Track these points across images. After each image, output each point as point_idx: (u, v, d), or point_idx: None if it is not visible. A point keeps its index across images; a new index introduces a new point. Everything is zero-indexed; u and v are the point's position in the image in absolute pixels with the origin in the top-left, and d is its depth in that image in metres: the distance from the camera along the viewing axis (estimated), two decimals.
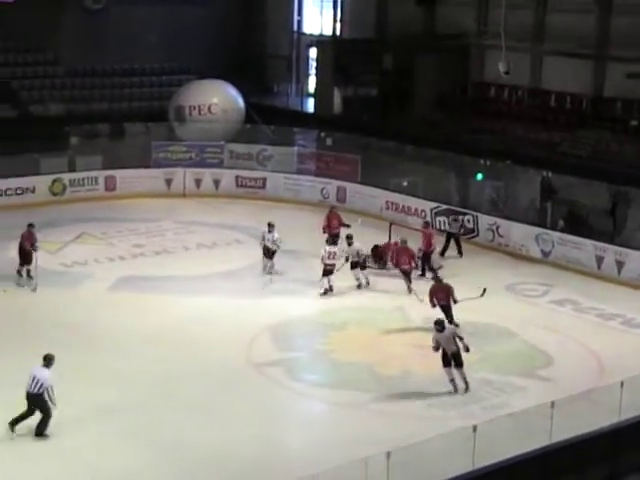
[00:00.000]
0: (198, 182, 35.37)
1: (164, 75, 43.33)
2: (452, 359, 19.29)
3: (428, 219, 29.36)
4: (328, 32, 45.28)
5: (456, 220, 29.08)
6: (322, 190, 34.08)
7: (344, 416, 18.64)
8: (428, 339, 20.30)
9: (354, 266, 25.64)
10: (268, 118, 37.78)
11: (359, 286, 25.63)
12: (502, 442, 15.92)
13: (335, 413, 19.00)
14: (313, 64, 45.16)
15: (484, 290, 22.91)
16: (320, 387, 20.11)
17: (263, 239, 26.19)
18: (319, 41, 44.74)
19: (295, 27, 46.89)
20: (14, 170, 32.93)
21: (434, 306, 21.93)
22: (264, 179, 35.09)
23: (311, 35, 46.23)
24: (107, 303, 24.06)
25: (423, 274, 26.16)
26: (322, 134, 37.07)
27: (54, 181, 33.74)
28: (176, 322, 22.52)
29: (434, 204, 30.95)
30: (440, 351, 19.31)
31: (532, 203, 30.81)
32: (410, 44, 39.71)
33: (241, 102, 38.59)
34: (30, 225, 25.52)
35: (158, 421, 17.86)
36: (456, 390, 19.37)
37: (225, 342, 21.39)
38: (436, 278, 22.79)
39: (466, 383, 19.47)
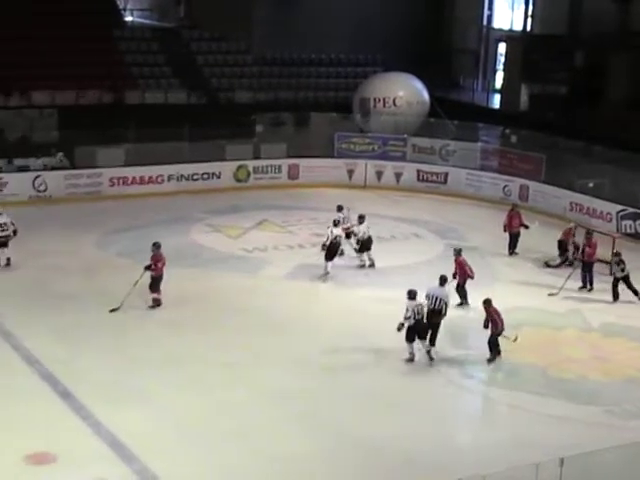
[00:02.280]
0: (379, 174, 35.46)
1: (350, 66, 43.55)
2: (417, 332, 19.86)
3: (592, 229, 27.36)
4: (518, 27, 44.44)
5: (619, 263, 24.67)
6: (504, 188, 33.55)
7: (514, 417, 18.31)
8: (606, 344, 19.73)
9: (361, 249, 25.78)
10: (452, 113, 37.44)
11: (363, 266, 25.82)
12: None
13: (505, 414, 18.67)
14: (501, 59, 44.48)
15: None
16: (492, 387, 19.84)
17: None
18: (509, 36, 44.01)
19: (485, 21, 46.25)
20: (201, 155, 33.84)
21: None
22: (446, 174, 34.83)
23: (500, 30, 45.50)
24: (285, 290, 24.39)
25: (584, 286, 25.02)
26: (507, 131, 36.52)
27: (239, 167, 34.46)
28: (351, 313, 22.61)
29: (620, 207, 30.00)
30: (404, 328, 19.80)
31: None
32: (603, 41, 38.56)
33: (426, 96, 38.39)
34: (155, 245, 23.10)
35: (326, 409, 17.98)
36: (412, 360, 19.93)
37: (398, 336, 21.29)
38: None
39: (429, 354, 20.09)
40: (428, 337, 20.31)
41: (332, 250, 25.25)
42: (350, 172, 35.45)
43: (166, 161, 33.12)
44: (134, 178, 32.67)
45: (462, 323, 22.30)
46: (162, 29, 43.09)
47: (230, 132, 35.39)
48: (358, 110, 38.28)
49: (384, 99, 37.87)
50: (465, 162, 35.35)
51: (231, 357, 19.88)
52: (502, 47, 44.29)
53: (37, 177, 31.60)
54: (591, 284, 24.92)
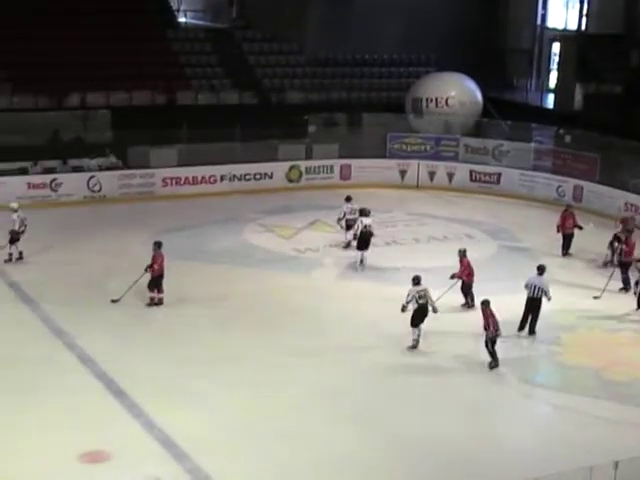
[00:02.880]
0: (432, 175, 35.36)
1: (402, 66, 43.44)
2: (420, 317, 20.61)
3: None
4: (573, 26, 44.01)
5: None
6: (558, 188, 33.25)
7: (567, 420, 18.12)
8: None
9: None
10: (506, 113, 37.21)
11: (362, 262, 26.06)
12: None
13: (558, 416, 18.51)
14: (555, 59, 44.12)
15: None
16: (545, 389, 19.68)
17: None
18: (563, 35, 43.62)
19: (539, 21, 45.85)
20: (253, 155, 33.96)
21: None
22: (499, 174, 34.63)
23: (555, 29, 45.11)
24: (337, 290, 24.41)
25: (624, 287, 24.53)
26: (561, 131, 36.19)
27: (291, 168, 34.55)
28: (399, 314, 22.49)
29: None
30: (410, 311, 20.63)
31: None
32: None
33: (479, 96, 38.19)
34: (156, 244, 23.03)
35: (378, 409, 17.94)
36: (416, 347, 20.59)
37: (450, 337, 21.25)
38: None
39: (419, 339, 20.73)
40: (528, 325, 21.54)
41: (364, 239, 25.90)
42: (402, 172, 35.40)
43: (218, 161, 33.31)
44: (187, 178, 32.89)
45: (515, 327, 22.16)
46: (215, 30, 43.28)
47: (282, 132, 35.48)
48: (410, 110, 38.18)
49: (436, 99, 37.76)
50: (518, 162, 35.11)
51: (283, 357, 19.92)
52: (556, 46, 43.94)
53: (91, 177, 31.94)
54: (628, 284, 24.41)
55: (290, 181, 34.40)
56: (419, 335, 20.64)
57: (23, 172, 31.93)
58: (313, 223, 30.19)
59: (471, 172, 35.04)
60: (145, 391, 17.99)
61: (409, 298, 20.64)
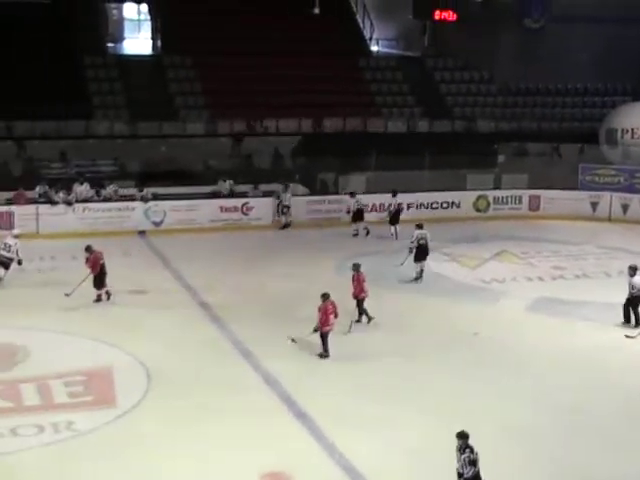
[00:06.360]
0: (625, 207, 34.52)
1: (597, 96, 42.61)
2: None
3: None
4: None
5: None
6: None
7: None
8: None
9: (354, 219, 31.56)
10: None
11: (356, 235, 31.57)
12: None
13: None
14: None
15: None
16: None
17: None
18: None
19: None
20: (442, 184, 33.94)
21: None
22: None
23: None
24: (521, 322, 23.97)
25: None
26: None
27: (479, 197, 34.36)
28: (588, 349, 21.92)
29: None
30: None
31: None
32: None
33: None
34: (86, 250, 23.82)
35: (563, 448, 17.44)
36: (420, 277, 26.15)
37: (636, 374, 20.53)
38: None
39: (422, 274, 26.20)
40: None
41: (395, 216, 30.93)
42: (594, 204, 34.66)
43: (406, 189, 33.41)
44: (374, 205, 33.08)
45: None
46: (406, 58, 43.58)
47: (471, 161, 35.34)
48: (605, 141, 37.32)
49: (632, 130, 36.81)
50: None
51: (466, 387, 19.68)
52: None
53: (280, 202, 32.57)
54: None
55: (478, 211, 34.20)
56: (422, 270, 25.97)
57: (216, 196, 32.90)
58: (499, 254, 29.84)
59: None
60: (327, 415, 18.10)
61: (414, 240, 26.01)
